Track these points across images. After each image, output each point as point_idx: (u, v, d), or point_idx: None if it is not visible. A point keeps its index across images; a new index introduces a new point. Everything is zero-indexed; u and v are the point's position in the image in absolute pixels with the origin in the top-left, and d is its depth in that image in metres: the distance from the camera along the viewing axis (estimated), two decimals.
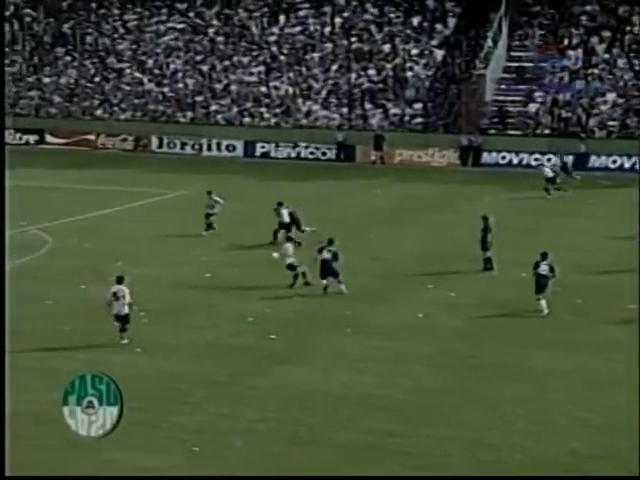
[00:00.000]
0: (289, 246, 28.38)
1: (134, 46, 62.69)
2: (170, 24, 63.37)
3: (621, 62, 55.00)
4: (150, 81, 60.86)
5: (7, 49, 63.56)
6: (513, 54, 57.31)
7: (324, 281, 27.00)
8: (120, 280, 22.87)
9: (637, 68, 54.40)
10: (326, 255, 27.12)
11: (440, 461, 17.01)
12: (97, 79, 61.60)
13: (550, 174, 43.10)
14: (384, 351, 22.65)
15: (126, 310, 22.52)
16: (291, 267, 27.76)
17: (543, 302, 25.26)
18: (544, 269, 25.42)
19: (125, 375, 20.39)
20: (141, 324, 23.98)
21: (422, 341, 23.45)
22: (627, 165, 51.01)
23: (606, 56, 55.44)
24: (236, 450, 17.32)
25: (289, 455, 17.18)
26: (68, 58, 63.03)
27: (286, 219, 32.79)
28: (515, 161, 52.59)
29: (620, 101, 53.35)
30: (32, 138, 58.67)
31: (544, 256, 25.73)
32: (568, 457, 17.29)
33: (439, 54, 57.68)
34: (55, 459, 16.67)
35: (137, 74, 61.22)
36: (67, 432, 13.20)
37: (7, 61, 62.89)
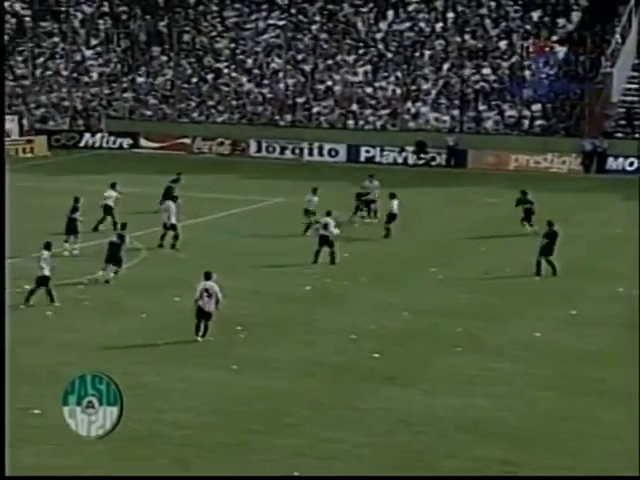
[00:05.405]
0: None
1: (233, 45, 63.49)
2: (270, 21, 64.02)
3: None
4: (249, 81, 61.53)
5: (100, 48, 65.13)
6: None
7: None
8: (208, 276, 23.91)
9: None
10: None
11: None
12: (194, 80, 62.55)
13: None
14: (497, 372, 22.42)
15: (212, 307, 23.68)
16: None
17: None
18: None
19: (219, 394, 20.72)
20: (238, 340, 24.22)
21: (539, 362, 23.14)
22: None
23: None
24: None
25: None
26: (164, 58, 64.17)
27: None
28: None
29: None
30: (126, 142, 59.80)
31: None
32: None
33: (561, 51, 56.99)
34: None
35: (236, 74, 61.98)
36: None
37: (101, 61, 64.49)
